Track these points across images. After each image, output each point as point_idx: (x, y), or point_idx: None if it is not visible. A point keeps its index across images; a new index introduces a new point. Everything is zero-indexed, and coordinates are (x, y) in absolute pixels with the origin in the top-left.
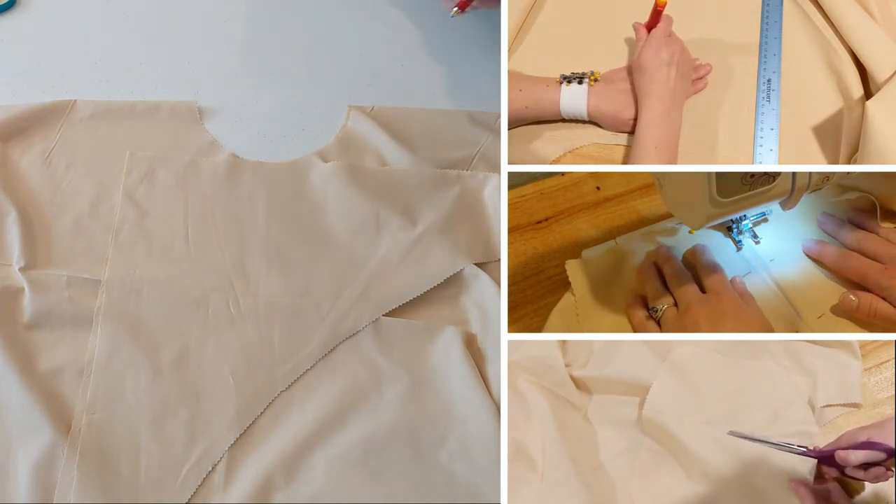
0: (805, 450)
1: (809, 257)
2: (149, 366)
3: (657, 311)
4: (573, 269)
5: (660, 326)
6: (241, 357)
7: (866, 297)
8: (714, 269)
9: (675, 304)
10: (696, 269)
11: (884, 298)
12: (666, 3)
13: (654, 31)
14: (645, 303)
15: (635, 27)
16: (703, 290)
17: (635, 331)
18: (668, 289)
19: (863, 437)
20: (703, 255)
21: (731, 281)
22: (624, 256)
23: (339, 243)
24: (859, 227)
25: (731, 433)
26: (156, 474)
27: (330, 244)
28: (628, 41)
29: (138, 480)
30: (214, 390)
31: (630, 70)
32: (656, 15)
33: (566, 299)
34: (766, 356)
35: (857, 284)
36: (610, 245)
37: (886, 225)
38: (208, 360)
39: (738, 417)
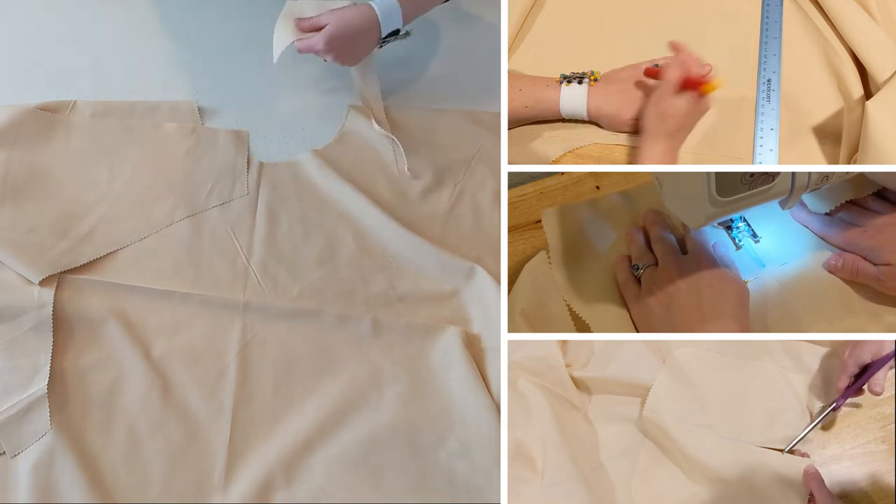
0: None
1: (798, 222)
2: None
3: (638, 269)
4: (549, 219)
5: (640, 284)
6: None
7: (849, 258)
8: (698, 233)
9: (657, 265)
10: (683, 235)
11: (865, 258)
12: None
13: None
14: (630, 262)
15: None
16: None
17: (620, 289)
18: (651, 250)
19: (867, 357)
20: None
21: (712, 245)
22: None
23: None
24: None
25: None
26: None
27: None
28: (628, 41)
29: None
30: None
31: (645, 106)
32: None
33: (539, 257)
34: (766, 356)
35: (842, 249)
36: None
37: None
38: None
39: (735, 420)
